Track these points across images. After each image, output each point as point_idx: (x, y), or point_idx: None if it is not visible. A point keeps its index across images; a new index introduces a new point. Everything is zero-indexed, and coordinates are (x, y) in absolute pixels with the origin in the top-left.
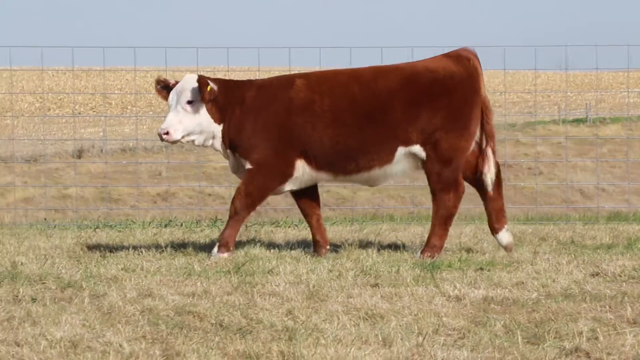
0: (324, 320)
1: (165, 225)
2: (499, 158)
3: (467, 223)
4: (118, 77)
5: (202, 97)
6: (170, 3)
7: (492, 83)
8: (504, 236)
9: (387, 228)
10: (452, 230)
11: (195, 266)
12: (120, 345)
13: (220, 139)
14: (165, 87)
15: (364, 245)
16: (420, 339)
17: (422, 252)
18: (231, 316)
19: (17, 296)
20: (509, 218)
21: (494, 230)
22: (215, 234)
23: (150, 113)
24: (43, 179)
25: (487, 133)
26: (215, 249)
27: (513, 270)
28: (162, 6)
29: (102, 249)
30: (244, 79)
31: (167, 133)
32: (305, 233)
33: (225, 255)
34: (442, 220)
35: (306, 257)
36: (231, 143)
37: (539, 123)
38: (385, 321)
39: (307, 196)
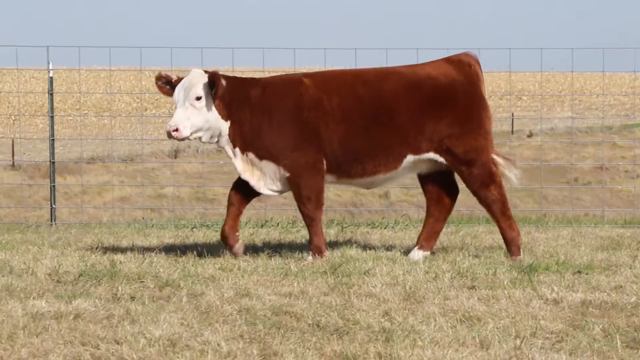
0: (420, 322)
1: (262, 226)
2: (596, 160)
3: (564, 226)
4: None
5: (216, 93)
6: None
7: (588, 85)
8: (417, 255)
9: (483, 230)
10: (550, 233)
11: (291, 266)
12: (218, 345)
13: (227, 137)
14: (167, 83)
15: (460, 247)
16: (518, 342)
17: (509, 252)
18: (328, 317)
19: (116, 294)
20: (607, 221)
21: (419, 245)
22: None
23: None
24: (140, 178)
25: None
26: (310, 257)
27: (611, 274)
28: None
29: (199, 248)
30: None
31: (176, 130)
32: (401, 235)
33: (323, 258)
34: (500, 213)
35: (402, 258)
36: (245, 144)
37: (637, 126)
38: (483, 324)
39: (242, 189)
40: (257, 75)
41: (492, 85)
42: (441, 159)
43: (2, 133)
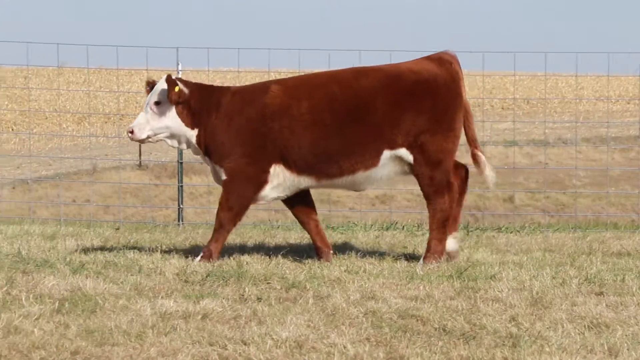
0: (548, 328)
1: (387, 229)
2: None
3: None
4: None
5: (169, 97)
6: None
7: None
8: (450, 243)
9: (610, 236)
10: None
11: (417, 270)
12: (345, 347)
13: (196, 145)
14: (152, 89)
15: (588, 252)
16: None
17: (424, 259)
18: (454, 321)
19: (243, 295)
20: None
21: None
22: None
23: None
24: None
25: (469, 137)
26: (198, 259)
27: None
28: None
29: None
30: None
31: (131, 132)
32: (528, 239)
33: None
34: (440, 223)
35: (529, 263)
36: (206, 149)
37: None
38: (611, 330)
39: (299, 203)
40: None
41: (619, 89)
42: (410, 157)
43: None
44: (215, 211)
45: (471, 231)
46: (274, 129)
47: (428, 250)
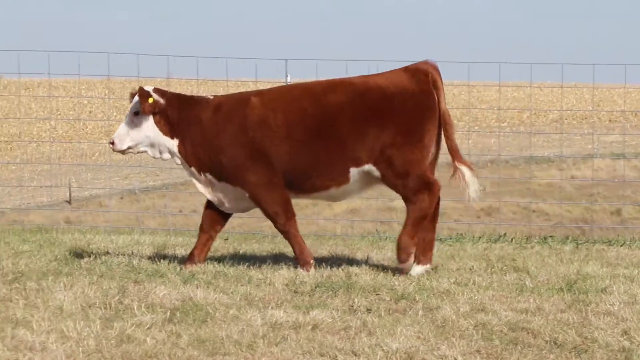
0: None
1: (495, 241)
2: None
3: None
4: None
5: (142, 108)
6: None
7: None
8: (417, 269)
9: None
10: None
11: (527, 282)
12: (455, 359)
13: (178, 155)
14: None
15: None
16: None
17: (397, 257)
18: (565, 334)
19: (352, 306)
20: None
21: (417, 260)
22: (545, 251)
23: (476, 128)
24: (370, 191)
25: (450, 148)
26: (300, 269)
27: None
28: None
29: (432, 261)
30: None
31: (112, 143)
32: (639, 253)
33: (312, 270)
34: (416, 220)
35: (639, 276)
36: (201, 165)
37: None
38: None
39: (214, 212)
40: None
41: None
42: (377, 173)
43: None
44: (318, 222)
45: (580, 244)
46: (256, 138)
47: (398, 247)
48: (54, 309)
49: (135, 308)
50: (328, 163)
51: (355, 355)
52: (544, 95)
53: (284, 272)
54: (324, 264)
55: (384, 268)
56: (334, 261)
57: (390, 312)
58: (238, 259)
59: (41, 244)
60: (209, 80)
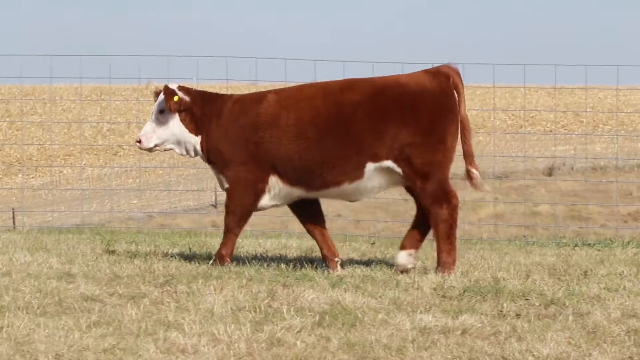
0: None
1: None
2: None
3: None
4: (590, 95)
5: (168, 106)
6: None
7: None
8: (401, 257)
9: None
10: None
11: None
12: None
13: (200, 152)
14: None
15: None
16: None
17: (437, 272)
18: None
19: (501, 311)
20: None
21: (401, 245)
22: None
23: (622, 132)
24: (514, 195)
25: (465, 153)
26: (210, 263)
27: None
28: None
29: (581, 267)
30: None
31: (139, 141)
32: None
33: (219, 266)
34: (444, 234)
35: None
36: (208, 157)
37: None
38: None
39: (306, 211)
40: None
41: None
42: (398, 169)
43: None
44: (462, 226)
45: None
46: (265, 137)
47: (439, 263)
48: (205, 312)
49: (284, 311)
50: (341, 159)
51: None
52: None
53: (432, 277)
54: (471, 268)
55: (532, 273)
56: (480, 266)
57: (540, 317)
58: (385, 263)
59: (190, 247)
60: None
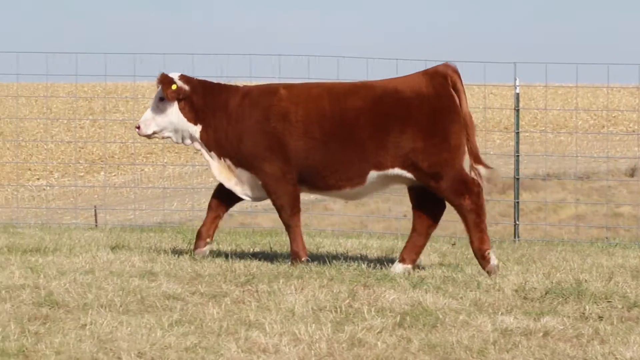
0: None
1: None
2: None
3: None
4: None
5: (166, 95)
6: None
7: None
8: (398, 268)
9: None
10: None
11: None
12: None
13: (199, 140)
14: None
15: None
16: None
17: (480, 264)
18: None
19: (583, 313)
20: None
21: (400, 258)
22: None
23: None
24: (596, 196)
25: (469, 150)
26: (290, 262)
27: None
28: None
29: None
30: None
31: (138, 127)
32: None
33: (299, 264)
34: (473, 224)
35: None
36: (222, 150)
37: None
38: None
39: (225, 195)
40: None
41: None
42: (409, 175)
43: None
44: (544, 227)
45: None
46: (277, 129)
47: (474, 254)
48: (286, 312)
49: (365, 312)
50: (345, 164)
51: None
52: None
53: (513, 278)
54: (553, 270)
55: (614, 275)
56: (562, 267)
57: (623, 320)
58: (466, 264)
59: (271, 247)
60: None
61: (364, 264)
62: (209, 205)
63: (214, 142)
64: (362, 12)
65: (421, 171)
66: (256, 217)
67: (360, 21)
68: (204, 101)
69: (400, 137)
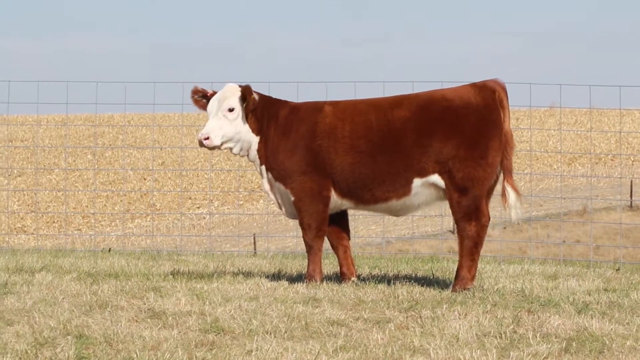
0: None
1: None
2: None
3: None
4: None
5: (247, 105)
6: None
7: None
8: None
9: None
10: None
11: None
12: None
13: (256, 151)
14: (203, 97)
15: None
16: None
17: (453, 287)
18: None
19: None
20: None
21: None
22: None
23: None
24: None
25: (504, 168)
26: (305, 283)
27: None
28: None
29: None
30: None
31: (207, 138)
32: None
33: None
34: (467, 250)
35: None
36: (267, 162)
37: None
38: None
39: (336, 225)
40: None
41: None
42: (441, 182)
43: (621, 174)
44: None
45: None
46: (323, 146)
47: (457, 277)
48: (450, 338)
49: (530, 337)
50: (391, 175)
51: None
52: None
53: None
54: None
55: None
56: None
57: None
58: (631, 289)
59: (433, 273)
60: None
61: (527, 289)
62: (331, 244)
63: (264, 154)
64: None
65: (454, 180)
66: (413, 243)
67: None
68: (262, 113)
69: (445, 144)
